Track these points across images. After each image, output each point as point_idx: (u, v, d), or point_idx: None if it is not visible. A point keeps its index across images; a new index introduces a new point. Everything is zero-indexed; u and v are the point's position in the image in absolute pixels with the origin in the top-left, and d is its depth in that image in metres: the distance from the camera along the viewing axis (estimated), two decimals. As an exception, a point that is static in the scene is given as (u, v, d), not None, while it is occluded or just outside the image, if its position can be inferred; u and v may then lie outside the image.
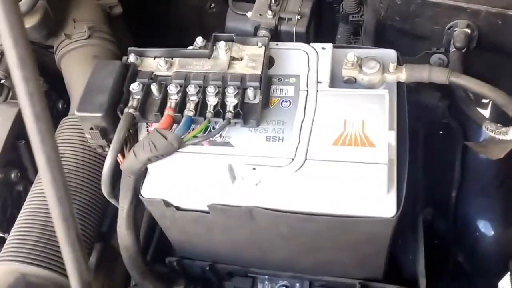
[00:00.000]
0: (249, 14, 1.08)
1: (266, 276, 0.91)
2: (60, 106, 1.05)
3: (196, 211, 0.74)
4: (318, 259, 0.82)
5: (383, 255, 0.78)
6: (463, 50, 0.88)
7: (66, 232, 0.36)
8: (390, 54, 0.79)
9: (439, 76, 0.74)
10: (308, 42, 0.82)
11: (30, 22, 0.96)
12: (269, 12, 1.06)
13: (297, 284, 0.90)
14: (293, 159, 0.68)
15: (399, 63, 0.77)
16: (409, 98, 0.78)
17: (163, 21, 1.53)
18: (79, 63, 1.01)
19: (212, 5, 1.55)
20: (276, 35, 1.03)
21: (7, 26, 0.33)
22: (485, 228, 0.98)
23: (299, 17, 1.06)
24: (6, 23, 0.33)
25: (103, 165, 0.84)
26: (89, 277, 0.36)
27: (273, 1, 1.07)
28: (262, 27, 1.07)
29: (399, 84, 0.76)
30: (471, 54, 0.89)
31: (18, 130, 0.95)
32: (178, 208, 0.75)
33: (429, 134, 0.99)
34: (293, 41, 0.99)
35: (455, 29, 0.88)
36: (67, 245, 0.36)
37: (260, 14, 1.07)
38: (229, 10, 1.13)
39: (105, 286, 0.98)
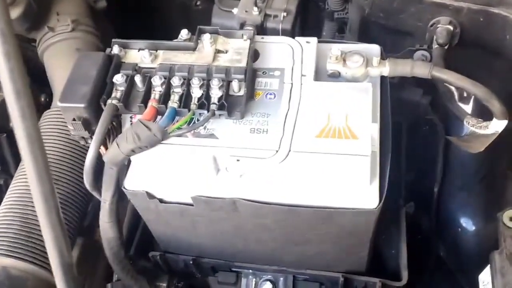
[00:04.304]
0: (234, 10, 1.08)
1: (250, 271, 0.91)
2: (42, 99, 1.04)
3: (180, 203, 0.74)
4: (302, 252, 0.82)
5: (366, 247, 0.78)
6: (446, 47, 0.89)
7: (47, 212, 0.35)
8: (374, 49, 0.80)
9: (422, 70, 0.75)
10: (293, 38, 0.83)
11: (12, 14, 0.95)
12: (255, 8, 1.06)
13: (281, 279, 0.90)
14: (277, 151, 0.68)
15: (383, 57, 0.78)
16: (392, 94, 0.78)
17: (148, 18, 1.53)
18: (62, 56, 1.00)
19: (198, 3, 1.55)
20: (262, 32, 1.03)
21: None
22: (467, 223, 1.00)
23: (285, 14, 1.06)
24: None
25: (85, 157, 0.83)
26: (70, 258, 0.36)
27: (259, -2, 1.07)
28: (247, 23, 1.07)
29: (382, 78, 0.77)
30: (454, 51, 0.90)
31: (-1, 122, 0.94)
32: (161, 201, 0.74)
33: (412, 130, 1.00)
34: (279, 38, 0.99)
35: (438, 25, 0.89)
36: (48, 225, 0.35)
37: (246, 11, 1.07)
38: (215, 6, 1.12)
39: (87, 280, 0.96)
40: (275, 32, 1.05)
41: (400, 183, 0.95)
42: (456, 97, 0.89)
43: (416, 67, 0.75)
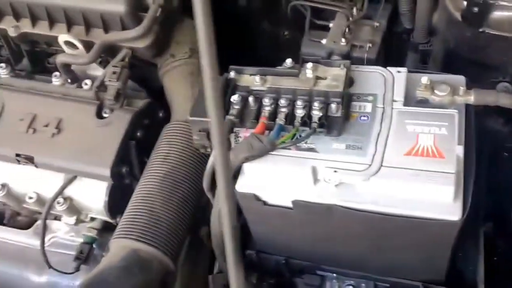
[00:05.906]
0: (323, 41, 1.20)
1: (334, 275, 1.00)
2: (160, 114, 1.22)
3: (281, 206, 0.85)
4: (386, 259, 0.90)
5: (446, 258, 0.85)
6: (528, 80, 0.96)
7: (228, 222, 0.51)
8: (459, 79, 0.89)
9: (507, 100, 0.83)
10: (380, 68, 0.93)
11: (144, 42, 1.14)
12: (343, 39, 1.18)
13: (363, 285, 0.97)
14: (370, 165, 0.78)
15: (468, 88, 0.87)
16: (475, 122, 0.86)
17: (241, 46, 1.69)
18: (180, 79, 1.18)
19: (286, 33, 1.69)
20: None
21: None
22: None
23: (370, 45, 1.17)
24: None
25: (200, 163, 0.98)
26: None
27: (347, 30, 1.19)
28: (335, 53, 1.19)
29: (467, 106, 0.85)
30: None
31: (131, 131, 1.11)
32: (265, 203, 0.86)
33: (493, 156, 1.05)
34: (365, 67, 1.10)
35: (521, 60, 0.96)
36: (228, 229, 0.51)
37: (334, 41, 1.19)
38: (305, 37, 1.25)
39: (190, 272, 1.10)
40: (360, 61, 1.16)
41: (479, 204, 1.00)
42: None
43: (501, 98, 0.83)
